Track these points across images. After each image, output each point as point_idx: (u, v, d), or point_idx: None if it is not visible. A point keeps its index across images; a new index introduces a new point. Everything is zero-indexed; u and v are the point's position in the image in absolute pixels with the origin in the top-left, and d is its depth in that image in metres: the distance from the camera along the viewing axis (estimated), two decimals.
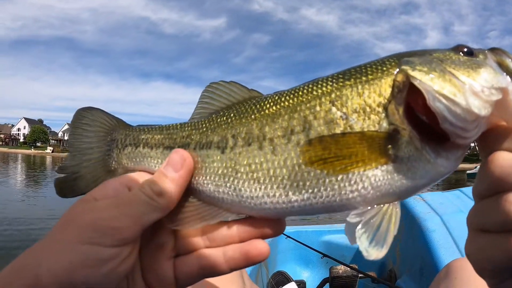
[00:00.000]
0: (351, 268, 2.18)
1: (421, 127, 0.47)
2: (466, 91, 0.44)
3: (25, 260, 0.44)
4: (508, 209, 0.40)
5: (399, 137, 0.47)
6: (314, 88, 0.53)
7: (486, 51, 0.50)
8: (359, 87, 0.50)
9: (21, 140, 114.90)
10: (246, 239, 0.53)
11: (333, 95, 0.51)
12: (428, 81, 0.45)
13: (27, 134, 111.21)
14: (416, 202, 2.33)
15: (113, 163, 0.63)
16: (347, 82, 0.51)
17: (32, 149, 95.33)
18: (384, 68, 0.51)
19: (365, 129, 0.48)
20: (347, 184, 0.48)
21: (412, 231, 2.25)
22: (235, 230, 0.54)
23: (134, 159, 0.62)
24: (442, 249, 1.95)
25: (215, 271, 0.53)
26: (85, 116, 0.64)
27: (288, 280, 2.21)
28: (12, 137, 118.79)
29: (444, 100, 0.44)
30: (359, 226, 0.48)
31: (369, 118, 0.49)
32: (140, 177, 0.56)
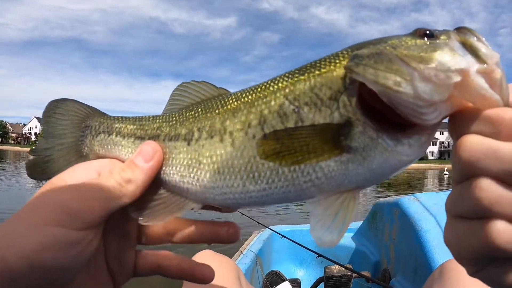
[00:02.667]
0: (346, 268, 2.18)
1: (379, 116, 0.46)
2: (415, 77, 0.42)
3: None
4: (478, 195, 0.39)
5: (351, 128, 0.47)
6: (272, 84, 0.54)
7: (450, 32, 0.47)
8: (312, 80, 0.51)
9: (33, 139, 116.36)
10: (204, 239, 0.59)
11: (287, 90, 0.52)
12: (372, 74, 0.45)
13: (39, 133, 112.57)
14: (410, 202, 2.33)
15: (86, 148, 0.64)
16: (301, 77, 0.52)
17: None
18: (337, 61, 0.51)
19: (316, 122, 0.49)
20: (300, 174, 0.49)
21: (406, 231, 2.25)
22: (194, 229, 0.58)
23: (106, 146, 0.63)
24: (436, 249, 1.95)
25: (167, 274, 0.57)
26: (58, 106, 0.66)
27: (282, 279, 2.23)
28: (24, 136, 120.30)
29: (389, 91, 0.43)
30: (314, 214, 0.49)
31: (320, 111, 0.49)
32: (111, 163, 0.58)
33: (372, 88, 0.44)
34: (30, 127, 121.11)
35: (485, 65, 0.42)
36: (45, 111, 0.65)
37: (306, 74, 0.52)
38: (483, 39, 0.45)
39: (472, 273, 0.45)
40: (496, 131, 0.40)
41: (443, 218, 2.12)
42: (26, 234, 0.43)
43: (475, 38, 0.45)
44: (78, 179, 0.51)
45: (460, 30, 0.47)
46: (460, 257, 0.45)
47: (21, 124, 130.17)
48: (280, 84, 0.53)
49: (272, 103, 0.52)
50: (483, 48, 0.44)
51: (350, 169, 0.47)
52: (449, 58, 0.43)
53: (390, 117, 0.45)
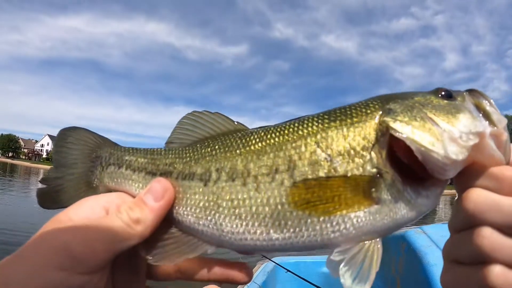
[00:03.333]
0: None
1: (402, 169, 0.48)
2: (444, 138, 0.46)
3: None
4: (480, 242, 0.43)
5: (382, 180, 0.48)
6: (300, 127, 0.53)
7: (465, 93, 0.52)
8: (344, 129, 0.51)
9: (44, 156, 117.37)
10: (214, 279, 0.56)
11: (318, 136, 0.51)
12: (409, 132, 0.47)
13: (50, 150, 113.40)
14: (417, 235, 2.30)
15: (95, 180, 0.62)
16: (333, 124, 0.52)
17: None
18: (369, 111, 0.51)
19: (349, 172, 0.48)
20: (329, 225, 0.48)
21: (412, 264, 2.21)
22: (206, 268, 0.56)
23: (115, 179, 0.61)
24: None
25: None
26: (69, 135, 0.64)
27: None
28: (35, 152, 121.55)
29: (424, 150, 0.46)
30: (343, 264, 0.48)
31: (353, 161, 0.49)
32: (120, 198, 0.56)
33: (409, 145, 0.47)
34: (42, 144, 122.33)
35: (495, 128, 0.48)
36: (56, 140, 0.65)
37: (338, 121, 0.52)
38: (493, 102, 0.50)
39: None
40: (499, 187, 0.45)
41: None
42: (26, 276, 0.42)
43: (487, 102, 0.50)
44: (84, 217, 0.50)
45: (472, 93, 0.52)
46: None
47: (33, 140, 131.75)
48: (310, 129, 0.52)
49: (303, 148, 0.51)
50: (495, 114, 0.49)
51: (377, 220, 0.48)
52: (470, 121, 0.48)
53: (415, 170, 0.48)
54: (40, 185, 0.63)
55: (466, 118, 0.48)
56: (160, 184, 0.54)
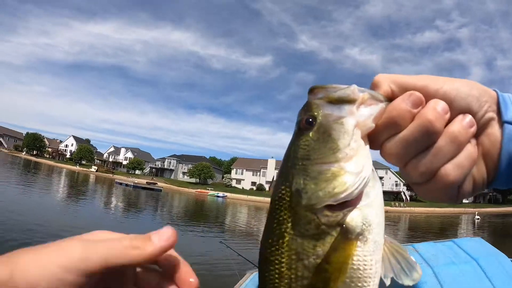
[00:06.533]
0: None
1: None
2: (345, 171, 0.45)
3: None
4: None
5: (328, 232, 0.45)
6: None
7: (312, 103, 0.49)
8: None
9: (68, 156, 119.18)
10: None
11: None
12: (318, 196, 0.45)
13: (74, 151, 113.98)
14: (410, 253, 2.30)
15: None
16: None
17: (77, 166, 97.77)
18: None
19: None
20: None
21: None
22: None
23: None
24: None
25: None
26: None
27: None
28: (59, 152, 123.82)
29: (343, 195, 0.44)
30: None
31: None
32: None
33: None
34: (66, 144, 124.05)
35: (355, 102, 0.46)
36: None
37: None
38: (334, 85, 0.48)
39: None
40: (398, 126, 0.47)
41: (440, 269, 2.10)
42: (31, 264, 0.46)
43: (332, 90, 0.47)
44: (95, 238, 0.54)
45: (313, 92, 0.49)
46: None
47: (57, 140, 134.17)
48: None
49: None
50: (343, 93, 0.47)
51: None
52: (342, 132, 0.46)
53: None
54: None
55: (337, 133, 0.46)
56: (169, 230, 0.57)
